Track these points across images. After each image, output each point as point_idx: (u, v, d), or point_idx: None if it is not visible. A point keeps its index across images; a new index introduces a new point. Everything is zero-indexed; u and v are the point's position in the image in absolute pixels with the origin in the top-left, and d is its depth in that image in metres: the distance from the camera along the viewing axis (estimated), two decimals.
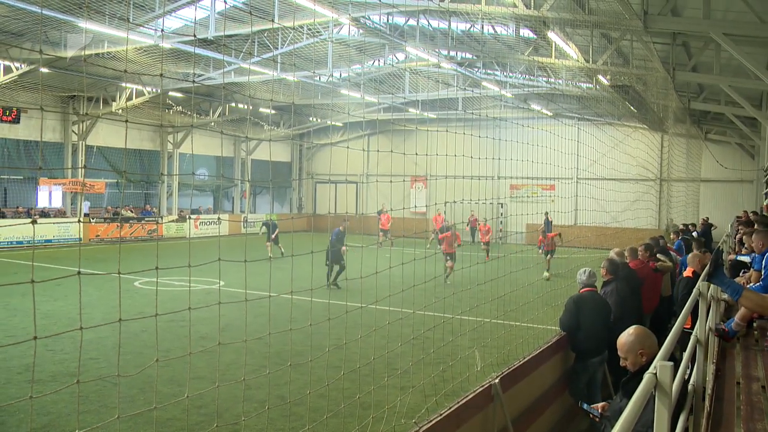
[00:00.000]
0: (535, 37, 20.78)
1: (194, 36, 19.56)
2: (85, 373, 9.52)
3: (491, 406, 5.94)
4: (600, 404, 5.23)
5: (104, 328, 9.78)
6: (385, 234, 31.37)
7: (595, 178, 31.46)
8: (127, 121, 4.87)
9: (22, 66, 23.95)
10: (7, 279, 18.03)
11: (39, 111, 28.93)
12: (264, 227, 25.94)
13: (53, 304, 14.95)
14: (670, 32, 16.14)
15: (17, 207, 30.08)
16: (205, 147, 39.06)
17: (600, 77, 20.41)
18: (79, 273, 4.07)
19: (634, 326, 4.63)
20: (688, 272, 9.14)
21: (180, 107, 33.62)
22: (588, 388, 8.06)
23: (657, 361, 2.94)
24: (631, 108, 22.47)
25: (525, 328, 11.89)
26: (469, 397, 5.64)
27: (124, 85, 29.40)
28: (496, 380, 5.98)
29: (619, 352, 4.54)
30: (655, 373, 2.77)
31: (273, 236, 25.10)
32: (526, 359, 6.91)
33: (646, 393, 2.61)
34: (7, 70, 24.28)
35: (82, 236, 30.06)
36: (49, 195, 32.52)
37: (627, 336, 4.51)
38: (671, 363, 2.84)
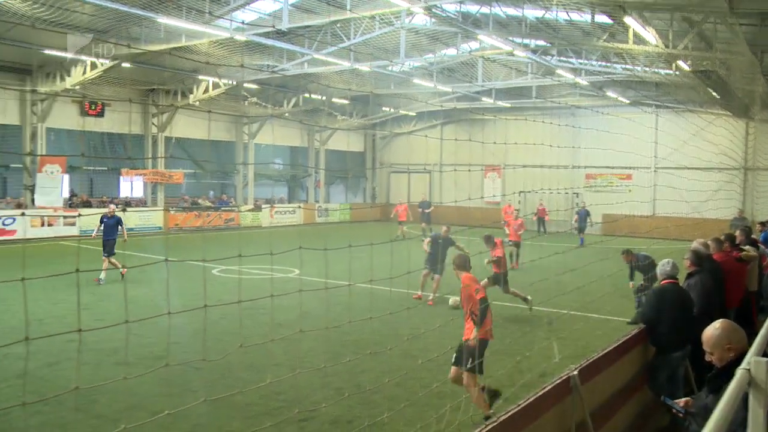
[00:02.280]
0: (612, 22, 20.25)
1: (273, 27, 19.88)
2: (169, 357, 9.86)
3: (569, 398, 5.87)
4: (684, 399, 5.10)
5: (183, 315, 10.10)
6: (402, 225, 30.04)
7: (674, 167, 30.54)
8: (210, 111, 5.03)
9: (107, 62, 24.87)
10: (93, 266, 18.81)
11: (121, 104, 30.01)
12: (101, 224, 17.37)
13: (136, 291, 15.50)
14: (758, 12, 15.44)
15: (102, 197, 31.32)
16: (279, 137, 39.78)
17: (680, 62, 19.76)
18: (167, 261, 4.22)
19: (720, 320, 4.49)
20: None
21: (255, 98, 34.26)
22: (669, 383, 7.85)
23: (751, 357, 2.85)
24: (714, 94, 21.70)
25: (603, 320, 11.72)
26: (547, 388, 5.58)
27: (201, 77, 30.14)
28: (575, 372, 5.89)
29: (704, 347, 4.40)
30: (749, 370, 2.69)
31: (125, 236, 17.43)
32: (605, 351, 6.79)
33: (739, 390, 2.54)
34: (93, 66, 25.26)
35: (163, 225, 31.15)
36: (131, 185, 33.75)
37: (713, 330, 4.37)
38: (767, 359, 2.75)
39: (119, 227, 17.23)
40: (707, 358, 4.40)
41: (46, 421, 7.58)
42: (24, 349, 9.56)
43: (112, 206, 19.03)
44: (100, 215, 17.47)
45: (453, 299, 13.62)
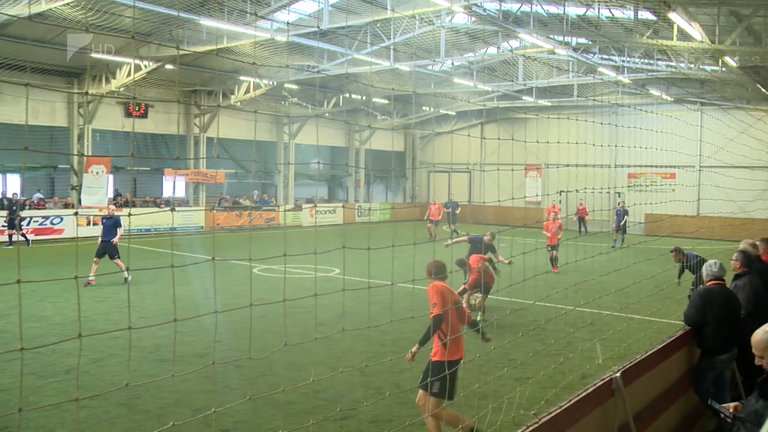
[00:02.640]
0: (656, 18, 19.91)
1: (318, 27, 20.04)
2: (210, 355, 9.99)
3: (612, 400, 5.80)
4: (732, 404, 4.98)
5: (224, 313, 10.21)
6: (436, 224, 29.20)
7: (720, 166, 29.88)
8: (256, 112, 5.07)
9: (150, 63, 25.31)
10: (138, 265, 19.15)
11: (164, 106, 30.58)
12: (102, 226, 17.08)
13: (178, 290, 15.73)
14: None
15: (145, 197, 31.89)
16: (320, 137, 40.02)
17: (727, 59, 19.33)
18: (213, 259, 4.28)
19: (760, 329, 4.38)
20: None
21: (295, 99, 34.51)
22: (715, 387, 7.69)
23: None
24: (763, 90, 21.20)
25: (646, 321, 11.51)
26: (590, 390, 5.52)
27: (242, 78, 30.47)
28: (618, 374, 5.82)
29: (754, 350, 4.31)
30: None
31: (115, 239, 16.45)
32: (648, 353, 6.69)
33: None
34: (137, 68, 25.74)
35: (205, 225, 31.63)
36: (173, 185, 34.30)
37: (763, 333, 4.28)
38: None
39: (117, 229, 16.47)
40: (757, 362, 4.30)
41: (93, 415, 7.75)
42: (71, 346, 9.79)
43: (111, 207, 18.70)
44: (103, 219, 17.17)
45: (474, 297, 13.46)
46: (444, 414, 6.60)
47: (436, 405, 6.52)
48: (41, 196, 28.43)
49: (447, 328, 6.55)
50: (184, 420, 7.29)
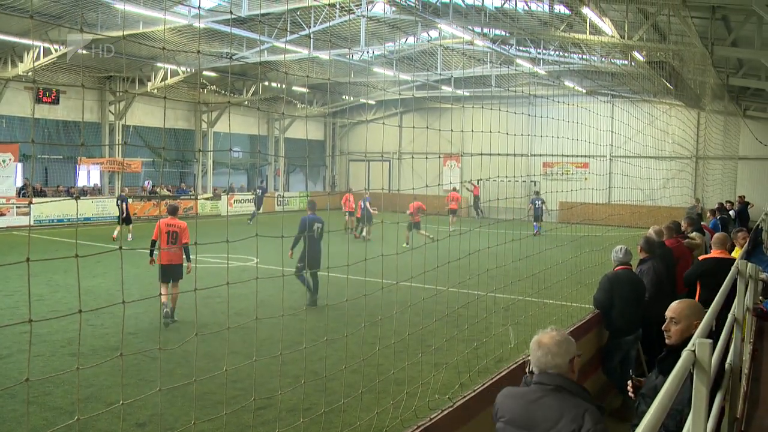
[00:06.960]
0: (570, 13, 20.46)
1: (231, 12, 19.65)
2: (125, 347, 9.75)
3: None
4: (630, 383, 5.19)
5: (141, 305, 10.01)
6: (353, 217, 26.72)
7: (629, 156, 31.04)
8: (165, 98, 4.95)
9: (61, 48, 24.29)
10: (49, 256, 18.42)
11: (77, 92, 29.41)
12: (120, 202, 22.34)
13: (93, 281, 15.29)
14: (709, 6, 15.74)
15: (58, 186, 30.66)
16: (238, 126, 39.40)
17: (635, 53, 20.05)
18: (120, 249, 4.17)
19: (686, 299, 4.58)
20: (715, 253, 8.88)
21: (214, 86, 33.86)
22: (621, 366, 8.06)
23: (696, 339, 2.93)
24: (668, 85, 22.10)
25: (558, 306, 11.89)
26: (504, 373, 5.67)
27: (159, 65, 29.66)
28: (530, 357, 5.99)
29: (671, 314, 4.38)
30: (694, 351, 2.77)
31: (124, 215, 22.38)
32: None
33: (684, 370, 2.61)
34: (47, 52, 24.64)
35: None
36: (87, 174, 33.13)
37: (685, 303, 4.42)
38: (710, 340, 2.83)
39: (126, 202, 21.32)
40: (666, 326, 4.41)
41: None
42: None
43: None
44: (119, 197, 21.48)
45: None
46: (163, 291, 11.01)
47: (161, 285, 11.14)
48: None
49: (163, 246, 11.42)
50: (96, 413, 7.10)
